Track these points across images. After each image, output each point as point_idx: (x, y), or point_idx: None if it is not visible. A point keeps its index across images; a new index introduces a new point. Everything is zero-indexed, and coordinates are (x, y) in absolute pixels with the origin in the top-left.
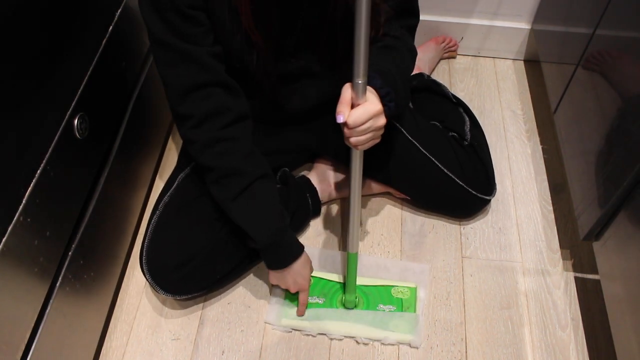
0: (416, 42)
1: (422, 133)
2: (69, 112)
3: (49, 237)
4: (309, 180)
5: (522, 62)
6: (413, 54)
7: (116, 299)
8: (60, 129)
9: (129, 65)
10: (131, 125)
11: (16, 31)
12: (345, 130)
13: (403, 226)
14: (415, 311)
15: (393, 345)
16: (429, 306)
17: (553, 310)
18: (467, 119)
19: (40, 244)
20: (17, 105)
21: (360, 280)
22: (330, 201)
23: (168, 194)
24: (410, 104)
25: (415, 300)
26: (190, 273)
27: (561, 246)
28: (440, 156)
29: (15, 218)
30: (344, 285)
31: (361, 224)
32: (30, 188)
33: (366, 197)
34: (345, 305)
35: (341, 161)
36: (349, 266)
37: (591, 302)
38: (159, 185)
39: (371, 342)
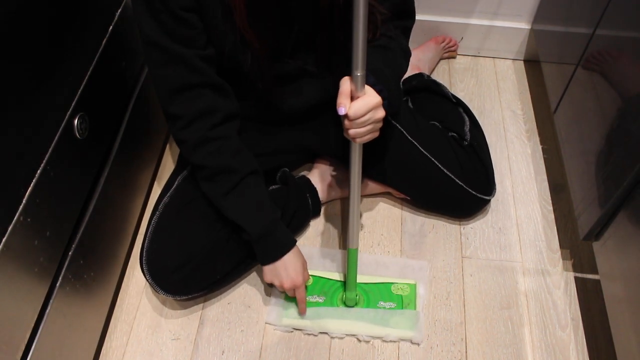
0: (416, 42)
1: (422, 133)
2: (69, 112)
3: (49, 237)
4: (309, 181)
5: (522, 62)
6: (407, 54)
7: (116, 299)
8: (60, 129)
9: (129, 65)
10: (131, 125)
11: (16, 31)
12: (346, 122)
13: (403, 226)
14: (415, 308)
15: (394, 342)
16: (429, 306)
17: (553, 310)
18: (466, 119)
19: (40, 244)
20: (17, 105)
21: (360, 278)
22: (330, 201)
23: (168, 194)
24: (410, 104)
25: (415, 296)
26: (190, 273)
27: (561, 246)
28: (440, 156)
29: (15, 218)
30: (344, 284)
31: (360, 221)
32: (30, 188)
33: (366, 197)
34: (345, 304)
35: (340, 160)
36: (349, 262)
37: (591, 302)
38: (158, 185)
39: (371, 341)
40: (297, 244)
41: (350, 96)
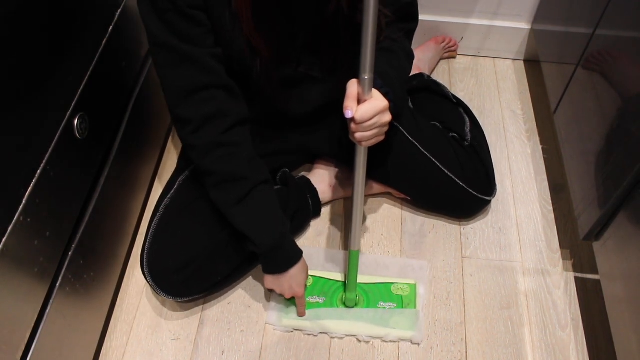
0: (416, 42)
1: (423, 133)
2: (69, 112)
3: (49, 237)
4: (309, 181)
5: (522, 62)
6: (410, 56)
7: (116, 299)
8: (60, 129)
9: (129, 65)
10: (131, 125)
11: (16, 31)
12: (352, 125)
13: (403, 226)
14: (415, 307)
15: (394, 342)
16: (429, 306)
17: (553, 310)
18: (467, 119)
19: (40, 244)
20: (17, 105)
21: (360, 279)
22: (330, 201)
23: (168, 196)
24: (410, 104)
25: (415, 296)
26: (191, 276)
27: (561, 246)
28: (441, 156)
29: (15, 218)
30: (344, 284)
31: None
32: (30, 188)
33: (366, 197)
34: (345, 304)
35: (342, 161)
36: (350, 264)
37: (591, 302)
38: (158, 186)
39: (371, 342)
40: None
41: (357, 99)
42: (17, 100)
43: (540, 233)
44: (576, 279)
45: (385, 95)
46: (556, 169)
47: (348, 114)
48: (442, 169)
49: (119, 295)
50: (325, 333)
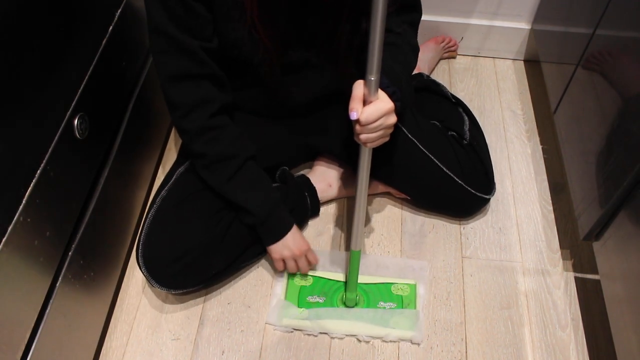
0: None
1: (422, 132)
2: (69, 112)
3: (49, 237)
4: (308, 180)
5: (522, 62)
6: (415, 50)
7: (116, 299)
8: (60, 129)
9: (129, 65)
10: (131, 125)
11: (16, 31)
12: (357, 127)
13: (403, 226)
14: (415, 308)
15: (394, 342)
16: (429, 306)
17: (553, 310)
18: (466, 118)
19: (40, 244)
20: (17, 105)
21: (360, 279)
22: (330, 201)
23: (166, 188)
24: None
25: (415, 296)
26: (186, 267)
27: (561, 246)
28: (440, 155)
29: (15, 218)
30: (344, 284)
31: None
32: (30, 188)
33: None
34: (345, 304)
35: (341, 158)
36: (351, 264)
37: (591, 302)
38: (158, 185)
39: (371, 342)
40: None
41: (362, 100)
42: (17, 100)
43: (540, 233)
44: (576, 279)
45: (391, 95)
46: (556, 169)
47: (353, 115)
48: (441, 167)
49: (119, 295)
50: (325, 333)
